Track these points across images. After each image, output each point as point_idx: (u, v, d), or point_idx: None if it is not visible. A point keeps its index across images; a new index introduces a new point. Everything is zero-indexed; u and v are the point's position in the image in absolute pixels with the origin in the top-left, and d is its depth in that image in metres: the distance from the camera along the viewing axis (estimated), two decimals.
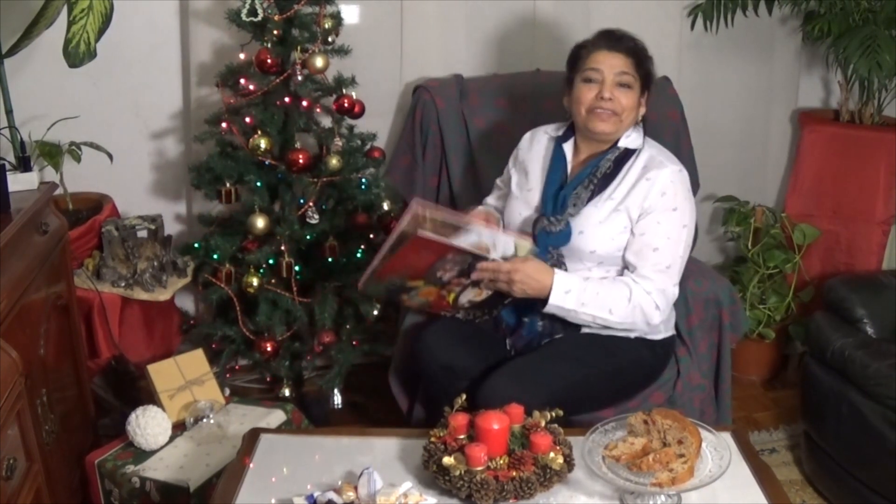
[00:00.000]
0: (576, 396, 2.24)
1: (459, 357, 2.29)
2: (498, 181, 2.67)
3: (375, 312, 2.91)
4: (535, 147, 2.53)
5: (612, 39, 2.36)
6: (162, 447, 2.42)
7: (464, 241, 2.23)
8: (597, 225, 2.31)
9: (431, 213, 2.23)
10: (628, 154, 2.36)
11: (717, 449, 1.83)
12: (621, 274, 2.33)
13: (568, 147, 2.44)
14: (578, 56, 2.39)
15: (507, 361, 2.29)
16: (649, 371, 2.44)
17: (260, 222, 2.71)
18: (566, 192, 2.35)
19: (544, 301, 2.25)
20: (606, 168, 2.35)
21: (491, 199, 2.68)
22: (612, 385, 2.35)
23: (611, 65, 2.32)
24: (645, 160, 2.35)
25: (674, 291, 2.32)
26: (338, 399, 2.96)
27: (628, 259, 2.31)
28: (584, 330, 2.34)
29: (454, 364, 2.27)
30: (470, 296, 2.32)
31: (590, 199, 2.33)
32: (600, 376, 2.29)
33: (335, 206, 2.88)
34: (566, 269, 2.32)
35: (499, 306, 2.37)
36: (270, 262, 2.78)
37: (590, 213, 2.32)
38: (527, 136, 2.58)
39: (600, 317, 2.27)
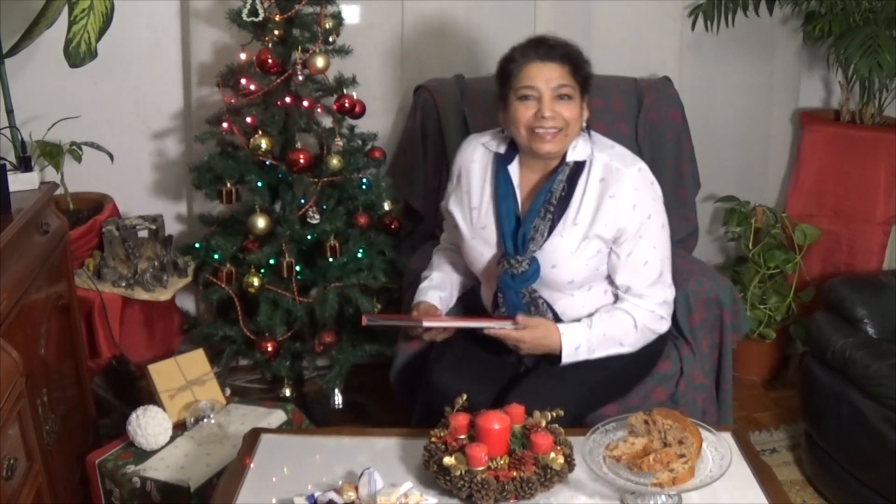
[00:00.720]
0: (594, 398, 2.26)
1: (475, 392, 2.13)
2: (443, 210, 2.48)
3: (376, 312, 2.92)
4: (471, 168, 2.35)
5: (543, 49, 2.18)
6: (162, 447, 2.42)
7: (466, 323, 2.27)
8: (569, 256, 2.21)
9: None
10: (579, 167, 2.23)
11: (718, 449, 1.83)
12: (609, 287, 2.30)
13: (514, 170, 2.28)
14: (509, 72, 2.20)
15: (524, 378, 2.26)
16: (654, 357, 2.43)
17: (261, 222, 2.71)
18: (524, 229, 2.21)
19: (558, 357, 2.22)
20: (560, 191, 2.21)
21: (447, 235, 2.54)
22: (625, 380, 2.36)
23: (546, 78, 2.15)
24: (600, 172, 2.21)
25: (671, 293, 2.30)
26: (338, 399, 2.96)
27: (620, 282, 2.25)
28: None
29: (471, 400, 2.08)
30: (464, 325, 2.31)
31: (551, 228, 2.21)
32: (614, 374, 2.29)
33: (336, 206, 2.88)
34: (545, 302, 2.26)
35: None
36: (271, 262, 2.78)
37: (557, 244, 2.21)
38: (459, 161, 2.39)
39: (614, 352, 2.24)
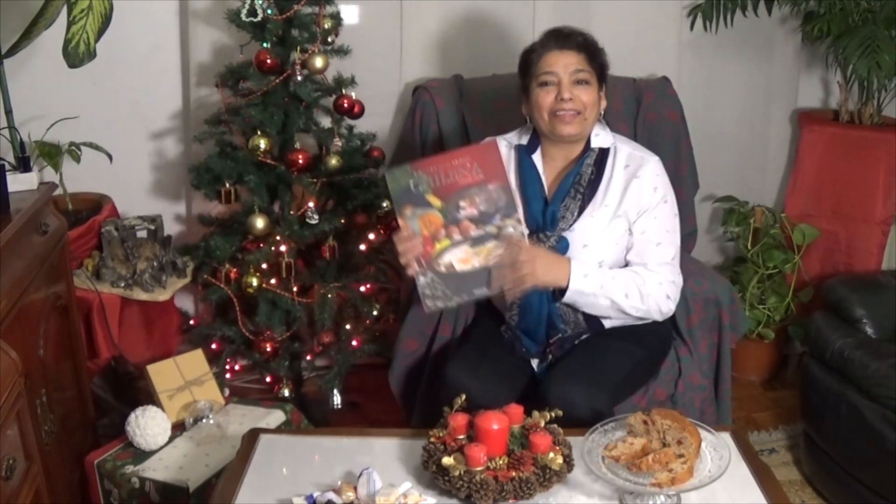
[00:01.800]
0: (629, 384, 2.33)
1: (492, 391, 2.16)
2: None
3: (375, 313, 2.92)
4: None
5: (561, 38, 2.31)
6: (161, 447, 2.42)
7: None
8: (599, 235, 2.28)
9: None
10: (604, 154, 2.34)
11: (717, 449, 1.83)
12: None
13: (538, 158, 2.38)
14: (529, 62, 2.33)
15: (560, 363, 2.28)
16: (661, 354, 2.48)
17: (259, 222, 2.71)
18: (554, 207, 2.30)
19: (562, 291, 2.23)
20: (590, 174, 2.31)
21: None
22: (651, 366, 2.43)
23: (565, 64, 2.27)
24: (625, 158, 2.33)
25: (681, 280, 2.34)
26: (337, 399, 2.96)
27: (632, 260, 2.30)
28: (608, 325, 2.34)
29: (488, 400, 2.08)
30: (456, 256, 2.19)
31: (581, 208, 2.30)
32: (642, 361, 2.35)
33: (335, 206, 2.88)
34: None
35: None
36: (270, 262, 2.78)
37: (588, 224, 2.29)
38: None
39: (617, 301, 2.24)
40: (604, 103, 2.35)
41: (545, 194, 2.34)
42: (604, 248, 2.29)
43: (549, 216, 2.30)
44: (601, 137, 2.35)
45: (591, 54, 2.31)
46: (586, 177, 2.31)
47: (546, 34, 2.35)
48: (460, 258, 2.19)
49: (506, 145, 2.43)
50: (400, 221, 2.20)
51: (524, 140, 2.41)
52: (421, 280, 2.20)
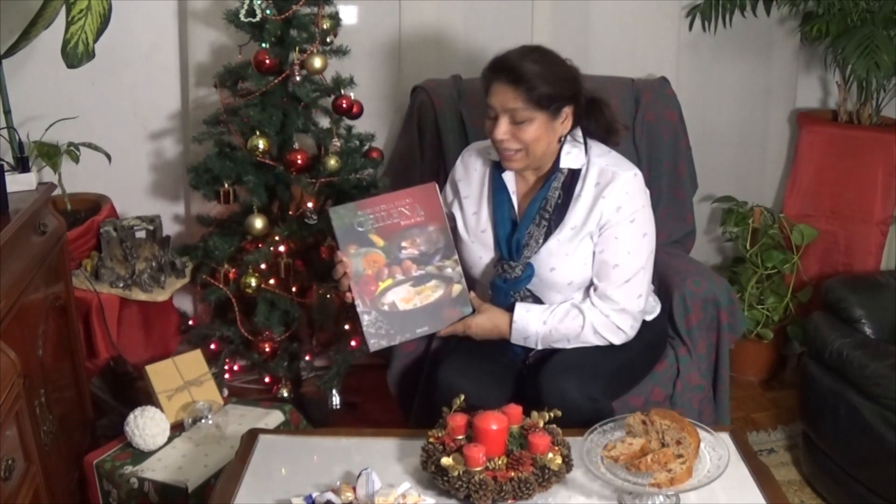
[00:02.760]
0: (624, 376, 2.33)
1: (484, 390, 2.17)
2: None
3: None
4: (472, 176, 2.37)
5: (497, 69, 2.14)
6: (160, 448, 2.42)
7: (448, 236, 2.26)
8: (565, 258, 2.23)
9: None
10: (575, 175, 2.24)
11: (716, 449, 1.83)
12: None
13: (508, 177, 2.29)
14: (483, 86, 2.19)
15: (551, 360, 2.26)
16: (655, 350, 2.47)
17: (258, 223, 2.71)
18: (519, 235, 2.24)
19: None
20: (557, 198, 2.23)
21: None
22: (645, 362, 2.42)
23: (501, 101, 2.12)
24: (595, 177, 2.22)
25: (638, 304, 2.25)
26: (336, 400, 2.96)
27: (593, 279, 2.26)
28: None
29: (480, 398, 2.10)
30: (398, 295, 2.22)
31: (547, 233, 2.23)
32: (634, 355, 2.33)
33: (333, 206, 2.88)
34: (537, 302, 2.29)
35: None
36: (268, 262, 2.77)
37: (554, 248, 2.23)
38: (458, 168, 2.41)
39: (562, 346, 2.27)
40: (567, 125, 2.20)
41: (515, 215, 2.29)
42: (571, 269, 2.24)
43: (513, 244, 2.25)
44: (572, 156, 2.23)
45: (529, 86, 2.10)
46: (553, 201, 2.23)
47: (492, 60, 2.18)
48: (402, 297, 2.24)
49: (482, 162, 2.37)
50: (343, 258, 2.20)
51: (497, 156, 2.29)
52: (365, 319, 2.22)
